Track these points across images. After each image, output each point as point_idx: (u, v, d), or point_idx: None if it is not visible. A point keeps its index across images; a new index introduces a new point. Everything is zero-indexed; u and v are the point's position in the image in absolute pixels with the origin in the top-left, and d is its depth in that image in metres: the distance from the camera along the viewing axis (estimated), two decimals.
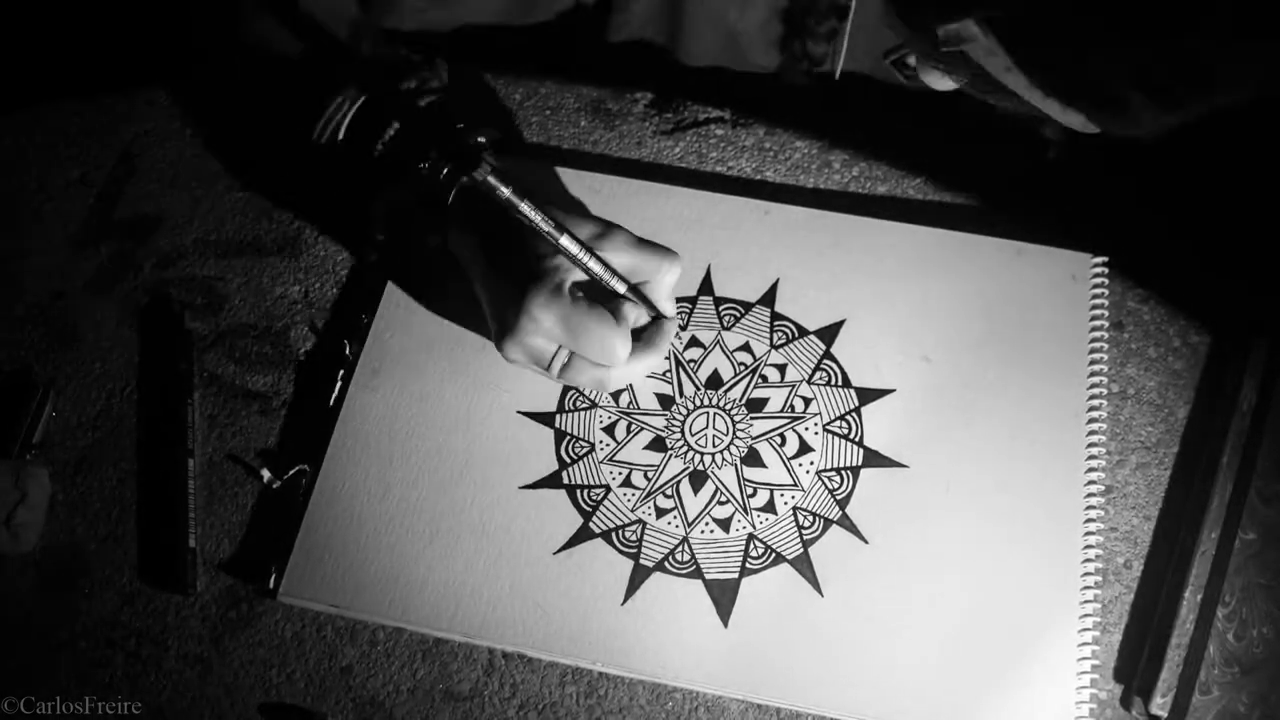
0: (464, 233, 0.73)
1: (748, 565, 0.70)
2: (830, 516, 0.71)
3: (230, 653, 0.69)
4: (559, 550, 0.70)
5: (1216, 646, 0.66)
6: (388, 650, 0.69)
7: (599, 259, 0.69)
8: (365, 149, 0.73)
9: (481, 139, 0.73)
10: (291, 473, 0.73)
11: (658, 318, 0.72)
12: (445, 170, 0.70)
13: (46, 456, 0.75)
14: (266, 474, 0.73)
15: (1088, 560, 0.69)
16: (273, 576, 0.70)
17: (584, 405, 0.74)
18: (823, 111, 0.84)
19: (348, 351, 0.76)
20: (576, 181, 0.81)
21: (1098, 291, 0.76)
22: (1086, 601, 0.68)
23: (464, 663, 0.69)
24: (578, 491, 0.72)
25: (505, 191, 0.67)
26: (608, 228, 0.70)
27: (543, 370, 0.70)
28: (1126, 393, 0.76)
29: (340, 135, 0.74)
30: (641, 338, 0.71)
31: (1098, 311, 0.76)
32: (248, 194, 0.84)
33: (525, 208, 0.68)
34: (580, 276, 0.69)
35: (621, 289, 0.70)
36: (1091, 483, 0.71)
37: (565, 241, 0.68)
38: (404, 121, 0.72)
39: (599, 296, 0.70)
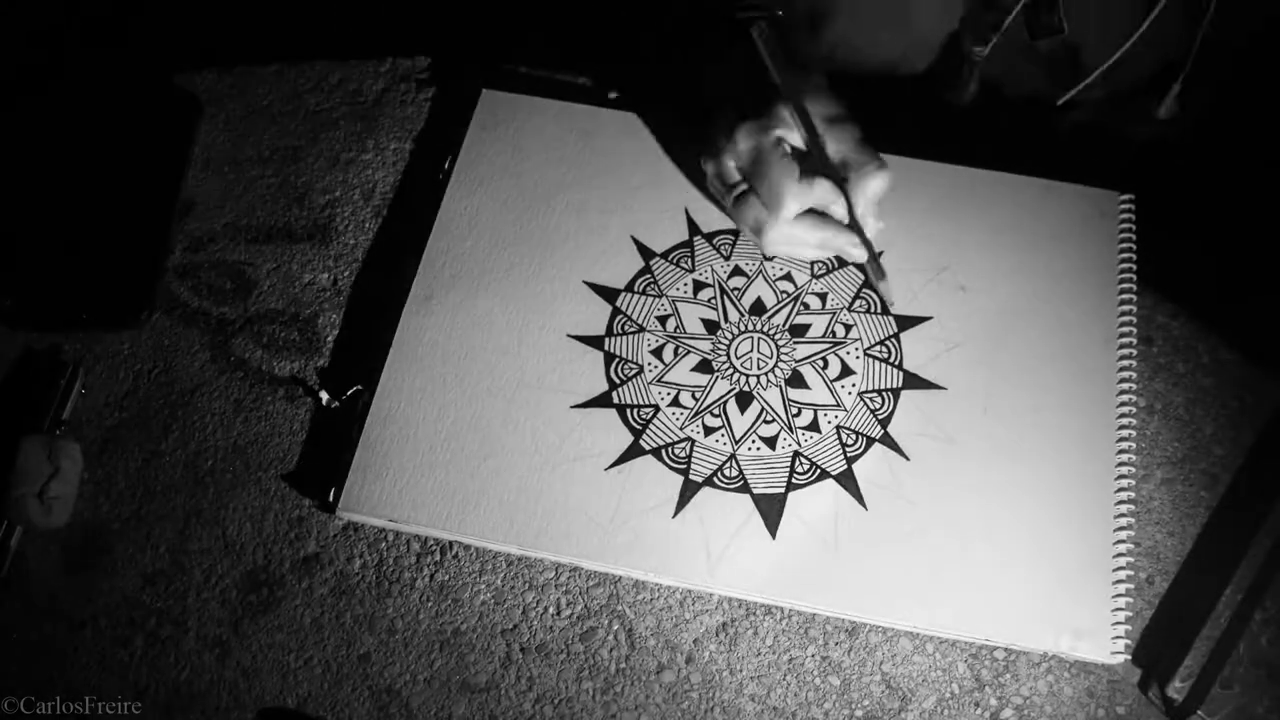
0: (730, 53, 0.76)
1: (794, 481, 0.72)
2: (872, 435, 0.73)
3: (249, 637, 0.70)
4: (610, 466, 0.72)
5: (1248, 646, 0.66)
6: (405, 639, 0.70)
7: (818, 135, 0.72)
8: None
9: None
10: (349, 393, 0.75)
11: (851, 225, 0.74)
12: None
13: (74, 435, 0.75)
14: (325, 395, 0.75)
15: (1121, 478, 0.71)
16: (331, 492, 0.71)
17: (632, 329, 0.76)
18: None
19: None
20: (626, 122, 0.84)
21: (1125, 227, 0.78)
22: (1120, 516, 0.70)
23: (481, 654, 0.69)
24: (628, 410, 0.74)
25: (762, 46, 0.72)
26: (840, 119, 0.73)
27: (723, 192, 0.75)
28: (1154, 407, 0.75)
29: None
30: (822, 219, 0.74)
31: (1125, 246, 0.78)
32: (280, 180, 0.84)
33: (775, 67, 0.72)
34: (796, 140, 0.73)
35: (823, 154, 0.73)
36: (1124, 403, 0.73)
37: (795, 103, 0.72)
38: None
39: (798, 161, 0.73)
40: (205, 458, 0.75)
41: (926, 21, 0.83)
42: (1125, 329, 0.75)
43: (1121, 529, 0.70)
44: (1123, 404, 0.73)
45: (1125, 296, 0.76)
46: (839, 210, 0.73)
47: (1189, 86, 0.81)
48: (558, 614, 0.70)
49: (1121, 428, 0.72)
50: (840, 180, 0.73)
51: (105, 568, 0.72)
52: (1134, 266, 0.77)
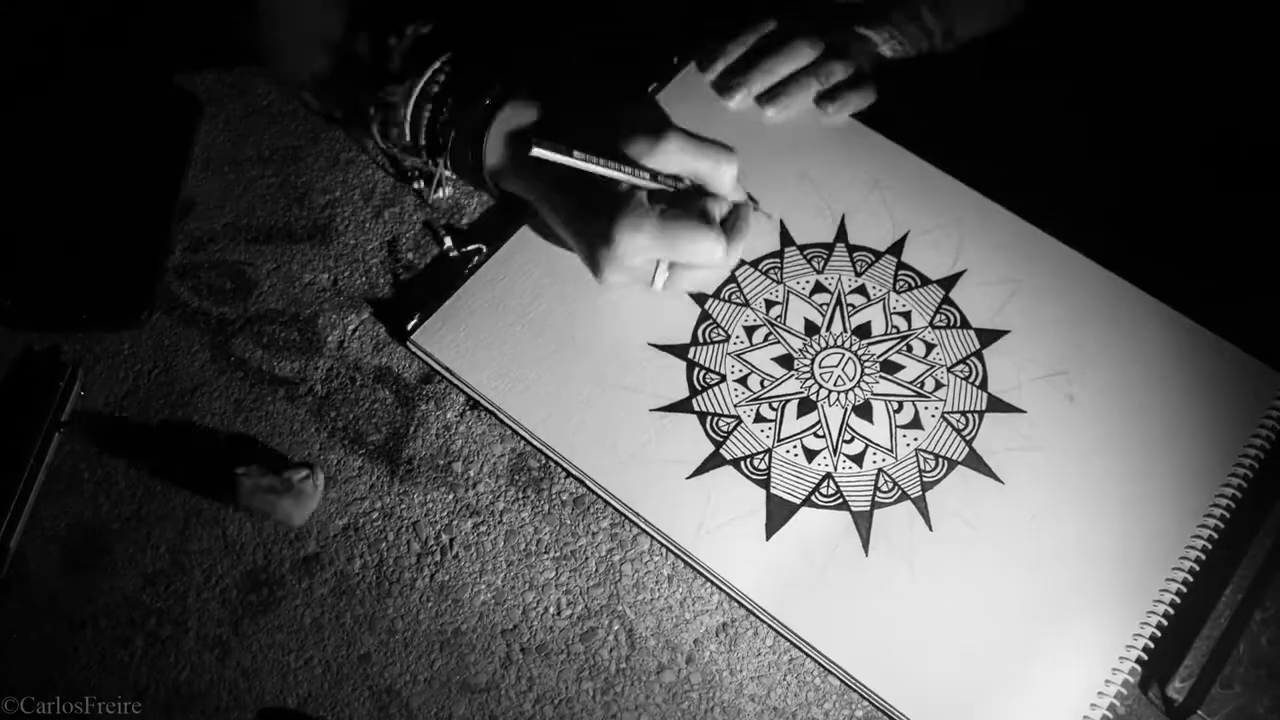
0: (531, 183, 0.75)
1: (813, 498, 0.71)
2: (909, 492, 0.72)
3: (249, 637, 0.70)
4: (656, 409, 0.73)
5: (1248, 646, 0.66)
6: (406, 640, 0.70)
7: (655, 174, 0.71)
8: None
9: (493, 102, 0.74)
10: (470, 248, 0.79)
11: (735, 206, 0.74)
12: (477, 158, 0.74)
13: (73, 435, 0.75)
14: (449, 241, 0.80)
15: (1153, 613, 0.68)
16: (414, 319, 0.76)
17: (738, 300, 0.77)
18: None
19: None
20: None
21: (1273, 415, 0.74)
22: (1151, 612, 0.68)
23: (481, 654, 0.69)
24: (695, 370, 0.75)
25: (551, 156, 0.69)
26: (658, 134, 0.71)
27: (646, 285, 0.75)
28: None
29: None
30: (724, 225, 0.73)
31: (1265, 432, 0.73)
32: (280, 180, 0.84)
33: (574, 161, 0.69)
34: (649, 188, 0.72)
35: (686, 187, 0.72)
36: (1175, 571, 0.69)
37: (621, 175, 0.70)
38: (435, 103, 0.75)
39: (679, 201, 0.72)
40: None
41: None
42: (1215, 509, 0.71)
43: (1124, 664, 0.67)
44: (1219, 516, 0.70)
45: (1234, 480, 0.71)
46: (726, 206, 0.73)
47: None
48: (558, 614, 0.70)
49: (1163, 592, 0.68)
50: (699, 188, 0.72)
51: (105, 568, 0.72)
52: (1261, 456, 0.72)
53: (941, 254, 0.79)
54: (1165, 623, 0.68)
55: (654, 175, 0.71)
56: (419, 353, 0.76)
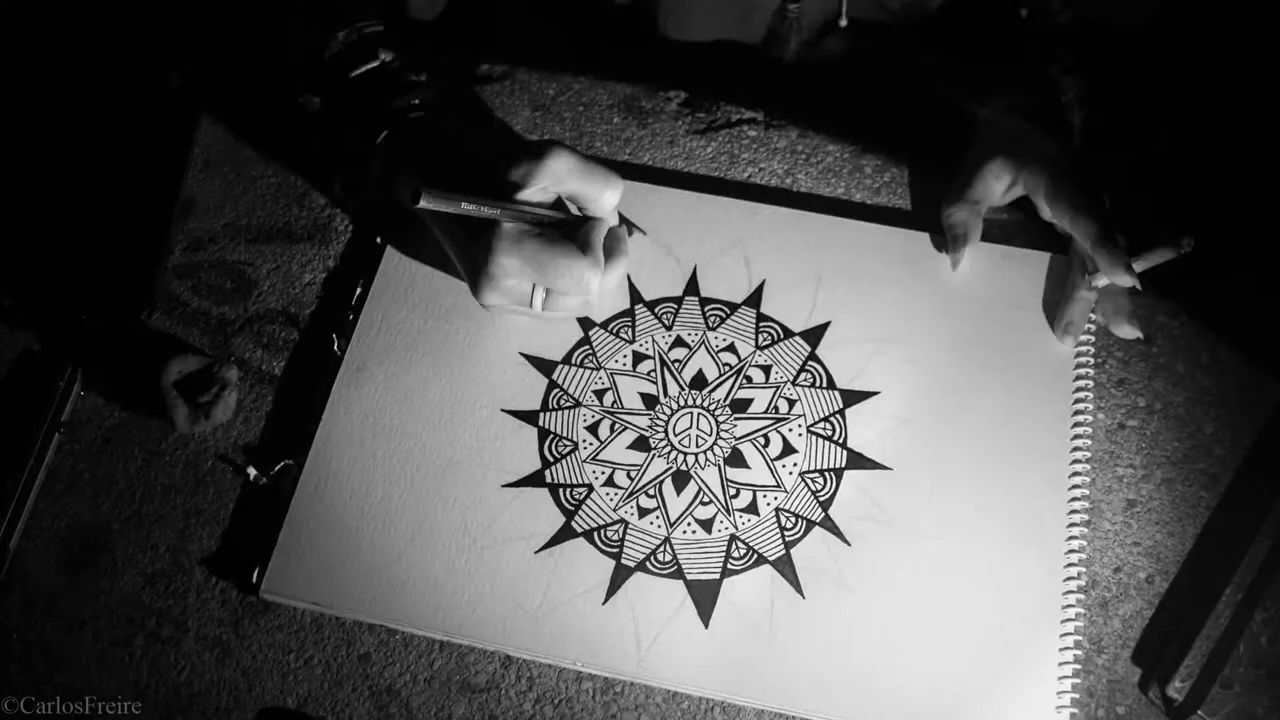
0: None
1: (729, 566, 0.69)
2: (813, 518, 0.71)
3: (249, 637, 0.70)
4: (540, 549, 0.70)
5: (1247, 646, 0.66)
6: (405, 640, 0.70)
7: (535, 210, 0.70)
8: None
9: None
10: (277, 468, 0.73)
11: (611, 229, 0.74)
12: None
13: (73, 435, 0.75)
14: (253, 472, 0.73)
15: (1070, 565, 0.69)
16: (255, 573, 0.70)
17: (568, 404, 0.74)
18: (855, 121, 0.84)
19: (335, 347, 0.76)
20: None
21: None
22: (1069, 607, 0.68)
23: (481, 655, 0.69)
24: (560, 490, 0.71)
25: (438, 206, 0.66)
26: (541, 156, 0.69)
27: (525, 309, 0.72)
28: (1154, 407, 0.75)
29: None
30: (608, 249, 0.73)
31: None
32: (279, 180, 0.84)
33: (463, 209, 0.67)
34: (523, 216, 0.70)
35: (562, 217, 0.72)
36: (1075, 485, 0.71)
37: (500, 214, 0.68)
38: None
39: (560, 229, 0.71)
40: (205, 458, 0.75)
41: None
42: (1080, 406, 0.73)
43: (1069, 620, 0.67)
44: (1075, 486, 0.71)
45: (1081, 372, 0.74)
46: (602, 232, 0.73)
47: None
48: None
49: (1073, 513, 0.70)
50: (581, 211, 0.73)
51: (105, 568, 0.72)
52: (1092, 348, 0.75)
53: (735, 277, 0.78)
54: (1082, 544, 0.69)
55: (539, 213, 0.70)
56: (279, 602, 0.70)
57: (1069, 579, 0.68)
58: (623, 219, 0.76)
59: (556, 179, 0.70)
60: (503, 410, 0.74)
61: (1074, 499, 0.71)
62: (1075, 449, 0.72)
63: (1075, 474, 0.71)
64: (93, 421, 0.76)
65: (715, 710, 0.68)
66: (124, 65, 0.88)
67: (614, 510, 0.71)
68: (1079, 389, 0.74)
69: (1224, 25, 0.82)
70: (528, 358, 0.76)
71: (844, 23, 0.82)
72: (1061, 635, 0.67)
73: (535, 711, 0.68)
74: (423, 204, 0.64)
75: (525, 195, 0.69)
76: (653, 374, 0.75)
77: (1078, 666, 0.67)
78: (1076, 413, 0.73)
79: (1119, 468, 0.73)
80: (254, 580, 0.70)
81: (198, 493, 0.74)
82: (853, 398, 0.74)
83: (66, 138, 0.85)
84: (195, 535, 0.72)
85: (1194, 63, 0.82)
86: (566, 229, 0.71)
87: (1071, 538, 0.69)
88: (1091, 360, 0.75)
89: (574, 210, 0.74)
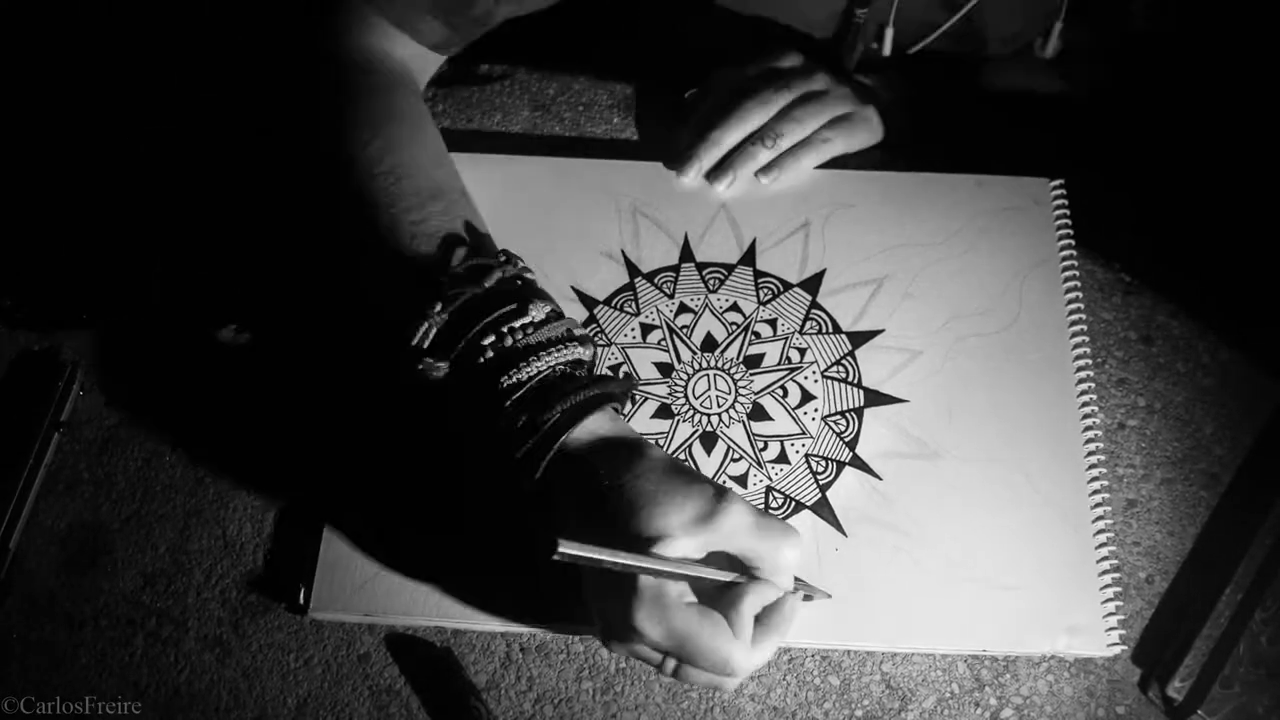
0: (559, 510, 0.63)
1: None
2: (842, 459, 0.72)
3: (249, 637, 0.70)
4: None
5: (1247, 646, 0.66)
6: (406, 639, 0.69)
7: (689, 570, 0.58)
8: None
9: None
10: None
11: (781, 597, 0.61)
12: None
13: (73, 436, 0.75)
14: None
15: (1092, 468, 0.71)
16: (301, 593, 0.69)
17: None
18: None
19: None
20: (547, 168, 0.82)
21: (1060, 212, 0.80)
22: (1097, 507, 0.70)
23: (481, 654, 0.69)
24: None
25: (578, 556, 0.55)
26: (717, 508, 0.59)
27: (653, 667, 0.61)
28: (1154, 407, 0.75)
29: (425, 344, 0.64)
30: (760, 619, 0.60)
31: (1063, 232, 0.79)
32: None
33: (596, 563, 0.56)
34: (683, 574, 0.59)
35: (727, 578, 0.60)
36: (1084, 390, 0.74)
37: (656, 566, 0.57)
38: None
39: (713, 597, 0.60)
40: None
41: None
42: (1075, 314, 0.76)
43: (1100, 519, 0.70)
44: (1084, 392, 0.74)
45: (1071, 282, 0.77)
46: (772, 594, 0.60)
47: (1070, 25, 0.82)
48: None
49: (1086, 416, 0.73)
50: (749, 570, 0.60)
51: (105, 568, 0.72)
52: (1074, 251, 0.78)
53: (725, 238, 0.79)
54: (1099, 445, 0.73)
55: (693, 573, 0.59)
56: (330, 619, 0.70)
57: (1092, 479, 0.71)
58: (799, 583, 0.63)
59: (724, 536, 0.58)
60: None
61: (1084, 404, 0.73)
62: (1078, 356, 0.75)
63: (1081, 379, 0.74)
64: (93, 421, 0.76)
65: (715, 710, 0.68)
66: (124, 65, 0.88)
67: None
68: (1072, 298, 0.77)
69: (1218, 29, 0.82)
70: None
71: (887, 51, 0.83)
72: (1095, 537, 0.70)
73: (535, 711, 0.68)
74: (560, 553, 0.55)
75: (682, 549, 0.58)
76: (663, 343, 0.76)
77: (1115, 563, 0.69)
78: (1073, 321, 0.76)
79: (1119, 468, 0.74)
80: (301, 601, 0.69)
81: (198, 493, 0.74)
82: (860, 339, 0.76)
83: (67, 138, 0.85)
84: (195, 535, 0.72)
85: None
86: (720, 593, 0.60)
87: (1089, 440, 0.72)
88: (1076, 263, 0.78)
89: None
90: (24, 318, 0.79)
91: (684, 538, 0.58)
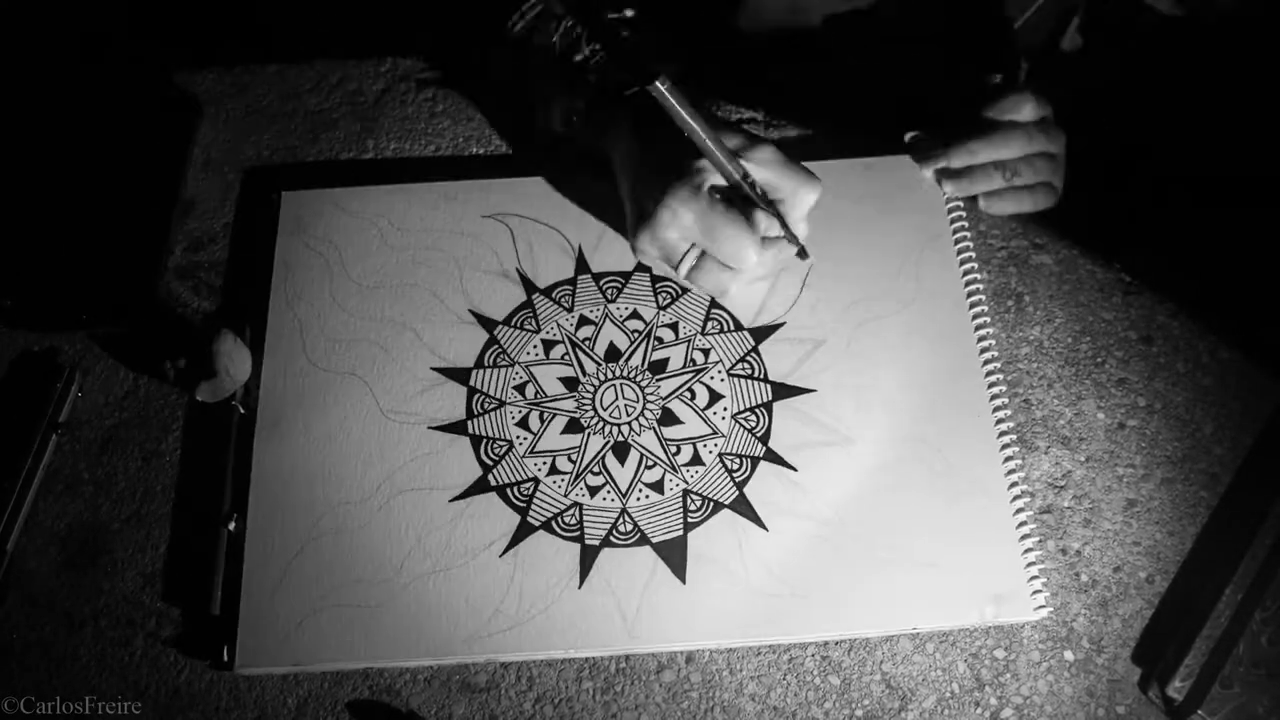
0: (619, 130, 0.74)
1: (689, 519, 0.71)
2: (755, 454, 0.72)
3: None
4: (504, 552, 0.70)
5: (1247, 646, 0.66)
6: None
7: (741, 168, 0.69)
8: (559, 54, 0.76)
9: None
10: (231, 523, 0.71)
11: (784, 237, 0.73)
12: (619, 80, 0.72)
13: (72, 436, 0.75)
14: (233, 524, 0.70)
15: (1003, 435, 0.72)
16: (225, 650, 0.67)
17: (492, 406, 0.74)
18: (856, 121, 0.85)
19: (241, 410, 0.74)
20: (433, 193, 0.81)
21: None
22: (1011, 474, 0.71)
23: None
24: (507, 490, 0.71)
25: (672, 100, 0.65)
26: (755, 141, 0.71)
27: (671, 268, 0.73)
28: (1154, 407, 0.75)
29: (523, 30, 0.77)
30: (765, 249, 0.72)
31: (954, 204, 0.79)
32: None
33: (683, 113, 0.66)
34: (719, 181, 0.70)
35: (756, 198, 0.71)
36: (988, 360, 0.74)
37: (716, 150, 0.68)
38: (597, 39, 0.75)
39: (736, 204, 0.71)
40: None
41: None
42: (971, 284, 0.77)
43: (1014, 484, 0.71)
44: (987, 361, 0.74)
45: (964, 255, 0.78)
46: (775, 229, 0.73)
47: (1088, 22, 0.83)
48: None
49: (992, 385, 0.74)
50: (772, 203, 0.72)
51: (105, 568, 0.72)
52: (965, 224, 0.79)
53: (620, 247, 0.79)
54: (1008, 412, 0.73)
55: (742, 175, 0.70)
56: (257, 674, 0.68)
57: (1004, 445, 0.72)
58: (794, 239, 0.74)
59: (756, 165, 0.70)
60: (430, 427, 0.73)
61: (989, 373, 0.74)
62: (978, 326, 0.76)
63: (984, 349, 0.75)
64: (93, 421, 0.76)
65: (715, 710, 0.68)
66: (124, 66, 0.88)
67: (565, 496, 0.71)
68: (966, 268, 0.77)
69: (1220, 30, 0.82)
70: (441, 371, 0.75)
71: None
72: (1011, 504, 0.70)
73: (535, 711, 0.68)
74: (657, 88, 0.64)
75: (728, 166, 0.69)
76: (566, 357, 0.76)
77: (1035, 526, 0.71)
78: (970, 292, 0.77)
79: (1119, 468, 0.74)
80: (225, 659, 0.67)
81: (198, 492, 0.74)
82: (762, 333, 0.76)
83: (67, 138, 0.85)
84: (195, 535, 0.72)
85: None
86: (741, 204, 0.71)
87: (997, 409, 0.73)
88: (966, 225, 0.79)
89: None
90: (24, 318, 0.79)
91: (730, 157, 0.68)
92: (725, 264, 0.71)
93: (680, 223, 0.70)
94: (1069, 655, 0.69)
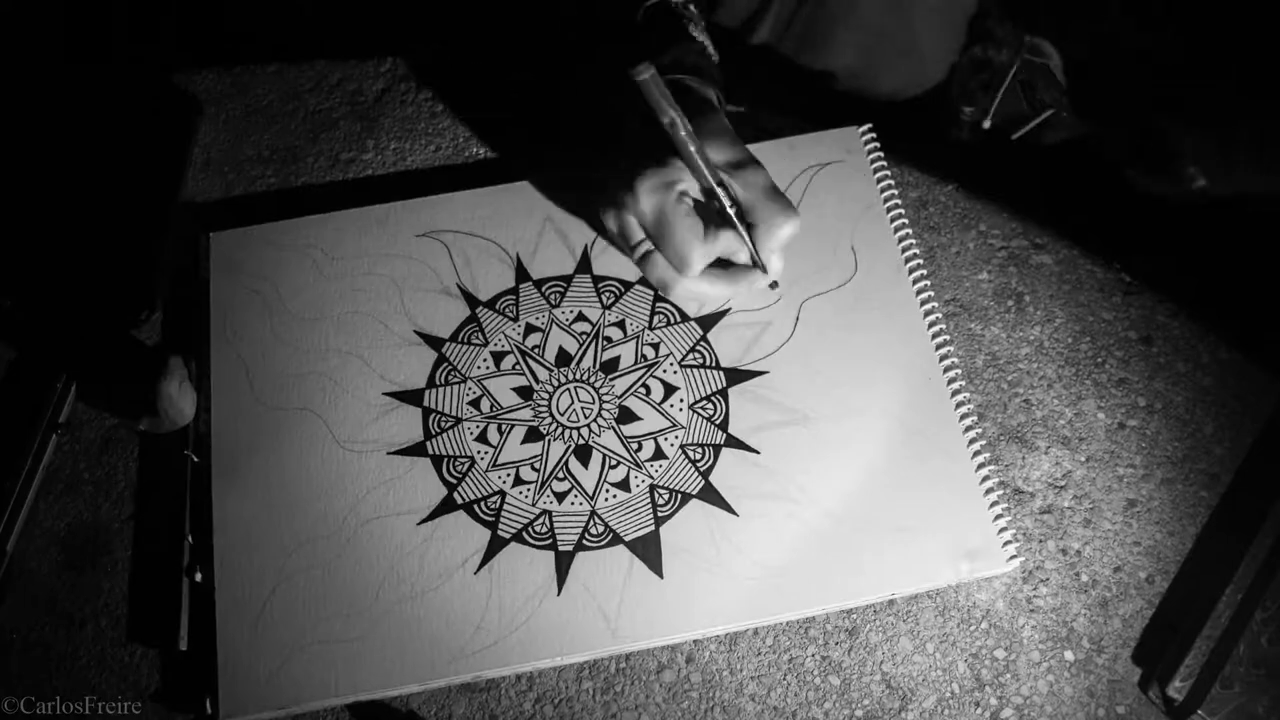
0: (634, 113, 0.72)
1: (659, 514, 0.71)
2: (716, 442, 0.73)
3: None
4: (479, 569, 0.69)
5: (1248, 646, 0.66)
6: None
7: (719, 178, 0.70)
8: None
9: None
10: (195, 576, 0.69)
11: (753, 266, 0.73)
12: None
13: (72, 436, 0.75)
14: (198, 576, 0.69)
15: (956, 394, 0.73)
16: (208, 703, 0.66)
17: (449, 424, 0.73)
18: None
19: (195, 459, 0.73)
20: (364, 217, 0.80)
21: (875, 156, 0.81)
22: (969, 431, 0.72)
23: None
24: (474, 506, 0.71)
25: (657, 93, 0.67)
26: (747, 162, 0.71)
27: (627, 250, 0.74)
28: (1154, 407, 0.75)
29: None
30: (729, 270, 0.73)
31: (881, 174, 0.80)
32: (280, 180, 0.84)
33: (660, 106, 0.67)
34: (695, 189, 0.71)
35: (729, 209, 0.70)
36: (933, 322, 0.76)
37: (691, 147, 0.68)
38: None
39: (710, 219, 0.71)
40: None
41: (931, 47, 0.83)
42: (908, 251, 0.77)
43: (973, 440, 0.72)
44: (932, 324, 0.75)
45: (898, 223, 0.78)
46: (743, 255, 0.72)
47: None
48: None
49: (940, 346, 0.75)
50: (746, 225, 0.71)
51: (105, 568, 0.72)
52: (895, 191, 0.79)
53: (557, 250, 0.79)
54: (960, 383, 0.73)
55: (721, 188, 0.70)
56: None
57: (958, 404, 0.73)
58: (764, 268, 0.73)
59: (742, 183, 0.71)
60: (389, 453, 0.73)
61: (935, 334, 0.75)
62: (920, 290, 0.77)
63: (928, 311, 0.76)
64: (92, 422, 0.76)
65: (715, 710, 0.68)
66: (124, 66, 0.88)
67: (533, 505, 0.71)
68: (902, 235, 0.78)
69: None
70: (393, 395, 0.74)
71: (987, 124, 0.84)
72: (973, 460, 0.72)
73: (535, 711, 0.68)
74: (640, 76, 0.66)
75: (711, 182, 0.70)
76: (517, 367, 0.76)
77: (997, 480, 0.72)
78: (909, 258, 0.77)
79: (1119, 468, 0.74)
80: (209, 712, 0.66)
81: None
82: (709, 322, 0.77)
83: (67, 138, 0.85)
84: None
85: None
86: (715, 218, 0.71)
87: (948, 369, 0.74)
88: (898, 200, 0.79)
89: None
90: (23, 318, 0.79)
91: (720, 160, 0.70)
92: (670, 262, 0.72)
93: (638, 209, 0.71)
94: (1069, 655, 0.69)
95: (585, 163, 0.76)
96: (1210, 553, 0.71)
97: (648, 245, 0.72)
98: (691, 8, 0.78)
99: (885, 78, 0.85)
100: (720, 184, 0.70)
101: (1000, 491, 0.71)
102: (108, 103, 0.87)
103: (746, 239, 0.71)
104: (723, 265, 0.73)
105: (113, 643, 0.70)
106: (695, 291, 0.73)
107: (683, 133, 0.68)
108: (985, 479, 0.71)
